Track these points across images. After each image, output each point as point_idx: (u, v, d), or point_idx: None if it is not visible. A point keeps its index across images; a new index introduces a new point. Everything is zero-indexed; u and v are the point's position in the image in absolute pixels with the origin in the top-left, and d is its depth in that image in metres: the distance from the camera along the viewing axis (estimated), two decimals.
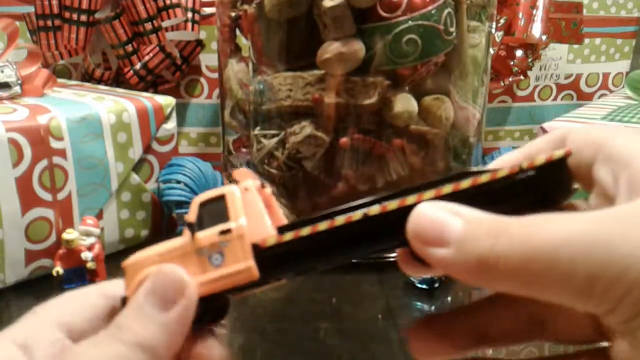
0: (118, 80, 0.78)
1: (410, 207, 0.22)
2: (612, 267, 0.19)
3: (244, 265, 0.24)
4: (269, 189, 0.26)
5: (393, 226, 0.22)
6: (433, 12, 0.55)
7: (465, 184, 0.22)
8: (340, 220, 0.23)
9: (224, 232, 0.24)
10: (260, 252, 0.24)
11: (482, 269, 0.20)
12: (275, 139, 0.59)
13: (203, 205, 0.25)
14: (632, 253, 0.19)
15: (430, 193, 0.22)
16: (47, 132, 0.56)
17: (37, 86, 0.63)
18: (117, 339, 0.22)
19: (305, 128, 0.57)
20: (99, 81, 0.76)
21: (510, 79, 0.84)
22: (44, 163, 0.55)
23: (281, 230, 0.24)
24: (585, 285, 0.19)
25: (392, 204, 0.23)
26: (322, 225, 0.23)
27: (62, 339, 0.24)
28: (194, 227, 0.24)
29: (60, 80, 0.72)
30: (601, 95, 0.92)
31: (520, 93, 0.91)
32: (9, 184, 0.53)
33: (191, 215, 0.25)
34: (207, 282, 0.24)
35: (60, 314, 0.25)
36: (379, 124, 0.58)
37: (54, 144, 0.56)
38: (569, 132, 0.25)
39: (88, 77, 0.77)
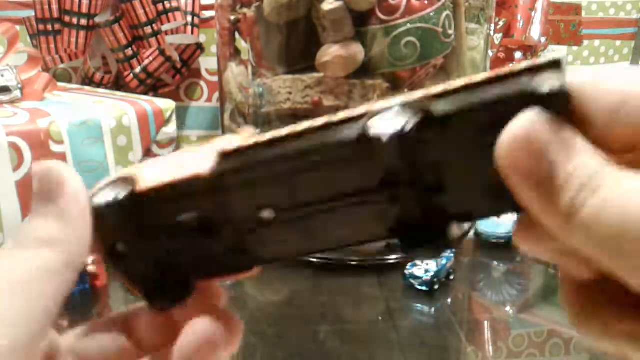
0: (118, 84, 0.79)
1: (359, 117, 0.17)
2: None
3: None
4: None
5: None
6: (432, 14, 0.55)
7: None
8: (292, 145, 0.18)
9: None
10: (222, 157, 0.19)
11: (567, 222, 0.16)
12: None
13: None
14: None
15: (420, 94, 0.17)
16: (48, 135, 0.56)
17: (37, 90, 0.63)
18: (20, 244, 0.20)
19: None
20: (99, 85, 0.76)
21: None
22: None
23: (225, 154, 0.20)
24: None
25: (355, 123, 0.17)
26: (272, 152, 0.19)
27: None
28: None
29: (60, 84, 0.72)
30: None
31: None
32: (9, 187, 0.53)
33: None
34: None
35: None
36: None
37: (54, 148, 0.56)
38: (587, 86, 0.17)
39: (88, 80, 0.77)
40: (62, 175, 0.21)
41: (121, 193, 0.21)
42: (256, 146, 0.19)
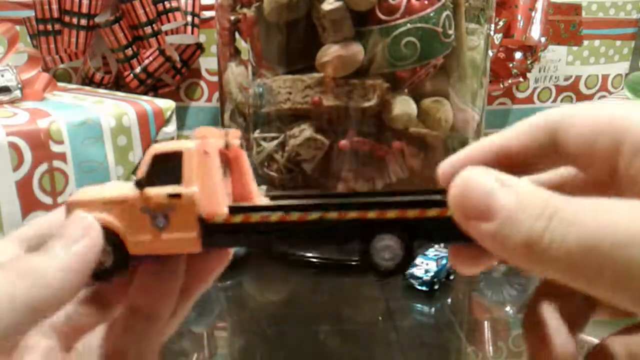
0: (118, 84, 0.79)
1: (369, 221, 0.21)
2: None
3: (186, 235, 0.23)
4: (237, 141, 0.25)
5: (348, 231, 0.22)
6: (432, 14, 0.55)
7: (413, 213, 0.22)
8: (294, 216, 0.22)
9: (173, 196, 0.23)
10: (206, 226, 0.23)
11: (529, 252, 0.18)
12: (275, 142, 0.59)
13: (158, 158, 0.23)
14: None
15: (393, 213, 0.21)
16: (48, 135, 0.56)
17: (37, 90, 0.63)
18: (12, 266, 0.21)
19: (304, 131, 0.57)
20: (99, 85, 0.76)
21: (510, 81, 0.84)
22: (44, 167, 0.56)
23: (233, 210, 0.23)
24: None
25: (352, 214, 0.22)
26: (274, 217, 0.22)
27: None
28: (142, 183, 0.23)
29: (60, 84, 0.72)
30: (600, 97, 0.92)
31: (519, 95, 0.91)
32: (9, 187, 0.53)
33: (142, 168, 0.23)
34: (146, 242, 0.23)
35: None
36: (378, 127, 0.58)
37: (54, 148, 0.56)
38: (562, 118, 0.21)
39: (88, 80, 0.77)
40: (87, 232, 0.23)
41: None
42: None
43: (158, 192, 0.23)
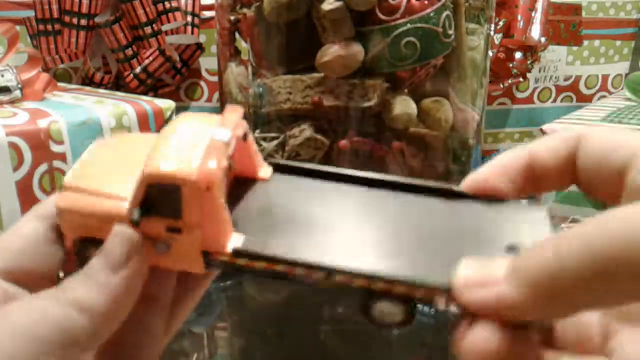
0: (118, 84, 0.79)
1: (374, 292, 0.21)
2: None
3: (190, 264, 0.22)
4: (239, 119, 0.24)
5: (351, 290, 0.21)
6: (431, 14, 0.55)
7: (420, 293, 0.21)
8: (299, 271, 0.21)
9: (173, 230, 0.21)
10: (209, 260, 0.22)
11: (547, 290, 0.17)
12: (274, 142, 0.59)
13: (152, 187, 0.21)
14: None
15: (401, 289, 0.21)
16: (48, 135, 0.56)
17: (37, 90, 0.63)
18: (54, 297, 0.20)
19: (304, 131, 0.57)
20: (99, 85, 0.76)
21: (510, 81, 0.84)
22: (44, 167, 0.56)
23: (237, 253, 0.22)
24: None
25: (359, 281, 0.21)
26: (279, 267, 0.22)
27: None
28: (136, 221, 0.21)
29: (60, 84, 0.72)
30: (601, 97, 0.92)
31: (519, 95, 0.91)
32: (9, 187, 0.53)
33: (136, 197, 0.21)
34: (147, 261, 0.22)
35: None
36: (379, 127, 0.58)
37: (54, 148, 0.56)
38: (583, 135, 0.22)
39: (88, 80, 0.77)
40: (132, 254, 0.21)
41: None
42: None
43: (157, 224, 0.21)
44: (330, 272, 0.21)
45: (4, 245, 0.23)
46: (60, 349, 0.19)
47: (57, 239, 0.23)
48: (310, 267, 0.21)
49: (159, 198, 0.21)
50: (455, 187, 0.24)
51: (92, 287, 0.21)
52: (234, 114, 0.24)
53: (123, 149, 0.25)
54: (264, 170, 0.26)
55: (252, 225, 0.23)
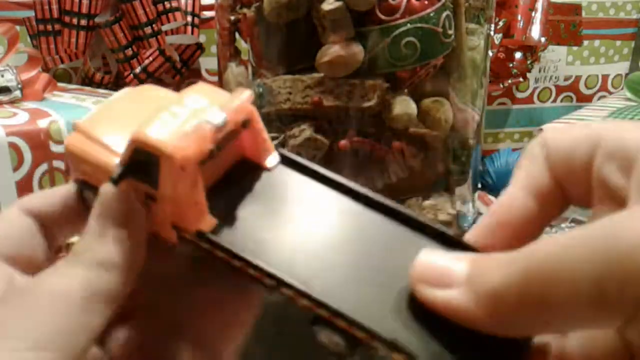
0: (118, 84, 0.79)
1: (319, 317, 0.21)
2: (624, 263, 0.16)
3: (164, 233, 0.23)
4: (248, 100, 0.23)
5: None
6: (432, 14, 0.55)
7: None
8: (252, 272, 0.21)
9: (149, 198, 0.22)
10: (179, 234, 0.23)
11: (495, 303, 0.18)
12: (274, 142, 0.59)
13: (138, 151, 0.21)
14: None
15: (343, 324, 0.21)
16: (48, 136, 0.56)
17: (37, 90, 0.63)
18: (76, 262, 0.21)
19: (304, 131, 0.57)
20: (99, 85, 0.76)
21: (510, 81, 0.84)
22: (44, 167, 0.56)
23: (200, 235, 0.22)
24: (593, 291, 0.16)
25: (304, 302, 0.21)
26: (235, 262, 0.22)
27: (10, 273, 0.23)
28: (116, 180, 0.22)
29: (60, 84, 0.72)
30: (600, 97, 0.92)
31: (519, 95, 0.91)
32: (9, 188, 0.53)
33: (125, 154, 0.22)
34: None
35: None
36: (378, 127, 0.58)
37: (54, 148, 0.56)
38: (549, 138, 0.21)
39: (88, 81, 0.77)
40: (133, 203, 0.22)
41: None
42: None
43: (138, 187, 0.22)
44: (279, 282, 0.21)
45: (2, 233, 0.24)
46: (98, 308, 0.20)
47: (47, 234, 0.25)
48: (262, 271, 0.21)
49: (144, 163, 0.21)
50: (451, 235, 0.22)
51: (108, 245, 0.22)
52: (241, 98, 0.23)
53: (142, 103, 0.25)
54: (270, 159, 0.25)
55: (232, 212, 0.23)
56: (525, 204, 0.21)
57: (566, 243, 0.17)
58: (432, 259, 0.20)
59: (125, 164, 0.22)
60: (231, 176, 0.24)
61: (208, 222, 0.22)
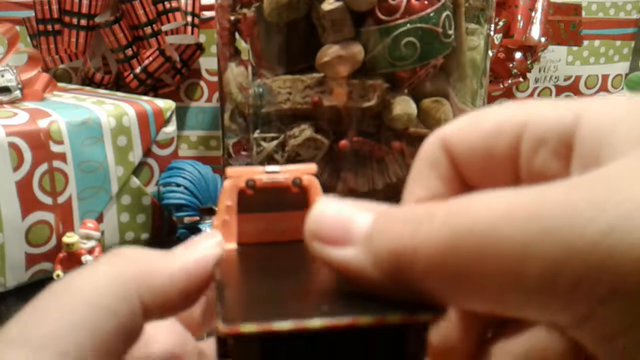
0: (118, 84, 0.79)
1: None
2: (585, 249, 0.13)
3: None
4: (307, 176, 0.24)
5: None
6: (431, 15, 0.55)
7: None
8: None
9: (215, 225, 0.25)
10: None
11: (397, 266, 0.15)
12: (274, 142, 0.59)
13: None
14: (616, 226, 0.12)
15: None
16: (48, 136, 0.56)
17: (37, 90, 0.63)
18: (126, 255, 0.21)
19: (304, 131, 0.57)
20: (99, 85, 0.76)
21: (510, 81, 0.84)
22: (44, 167, 0.56)
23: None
24: (540, 278, 0.13)
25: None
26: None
27: None
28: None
29: (60, 84, 0.72)
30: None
31: (519, 95, 0.91)
32: (9, 187, 0.53)
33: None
34: None
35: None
36: (378, 127, 0.58)
37: (54, 148, 0.56)
38: (451, 131, 0.18)
39: (88, 81, 0.77)
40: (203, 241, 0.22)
41: None
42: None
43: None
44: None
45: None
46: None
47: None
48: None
49: None
50: None
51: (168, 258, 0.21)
52: (306, 166, 0.25)
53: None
54: None
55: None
56: None
57: (508, 214, 0.13)
58: (331, 210, 0.17)
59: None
60: (271, 249, 0.24)
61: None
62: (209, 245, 0.21)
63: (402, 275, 0.15)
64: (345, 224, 0.16)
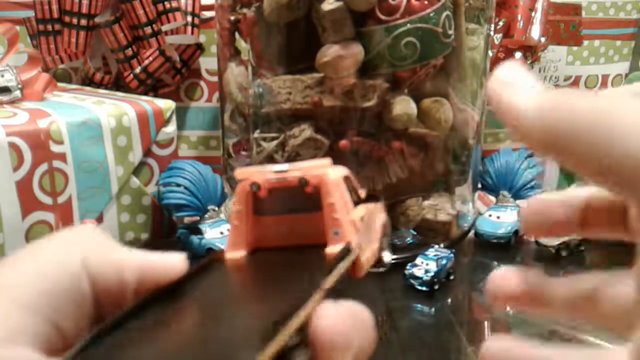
0: (118, 84, 0.79)
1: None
2: None
3: None
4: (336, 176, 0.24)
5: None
6: (431, 14, 0.55)
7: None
8: None
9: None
10: None
11: (547, 136, 0.19)
12: (275, 142, 0.59)
13: None
14: None
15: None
16: (48, 136, 0.56)
17: (37, 90, 0.63)
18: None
19: (304, 131, 0.57)
20: (99, 85, 0.76)
21: None
22: (44, 167, 0.56)
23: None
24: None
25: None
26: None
27: None
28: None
29: (60, 84, 0.72)
30: None
31: None
32: (9, 188, 0.53)
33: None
34: None
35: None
36: (378, 127, 0.58)
37: (54, 148, 0.56)
38: None
39: (88, 81, 0.77)
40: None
41: None
42: None
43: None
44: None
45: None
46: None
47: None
48: None
49: None
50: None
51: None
52: (318, 162, 0.25)
53: None
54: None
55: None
56: None
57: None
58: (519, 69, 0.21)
59: None
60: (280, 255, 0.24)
61: None
62: (175, 260, 0.21)
63: (550, 139, 0.18)
64: (528, 78, 0.20)
